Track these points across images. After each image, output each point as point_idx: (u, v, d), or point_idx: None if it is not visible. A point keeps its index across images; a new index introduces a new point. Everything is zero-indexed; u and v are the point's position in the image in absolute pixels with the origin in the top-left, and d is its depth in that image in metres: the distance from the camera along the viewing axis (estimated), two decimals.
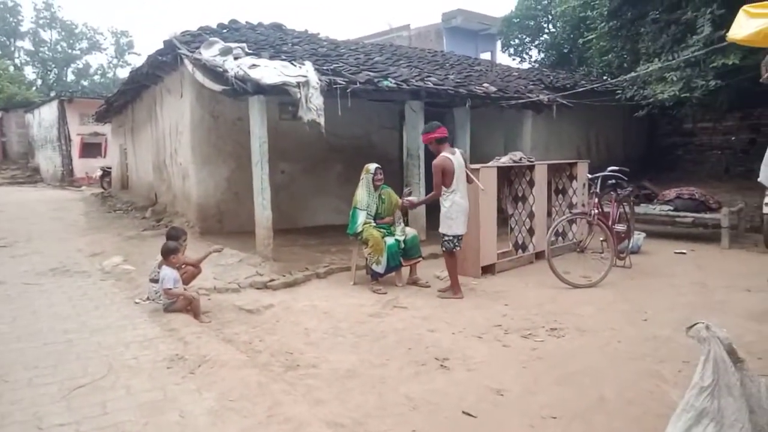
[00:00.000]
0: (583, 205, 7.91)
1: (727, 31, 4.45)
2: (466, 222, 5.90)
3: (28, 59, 42.66)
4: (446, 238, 5.87)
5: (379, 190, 6.49)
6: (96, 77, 44.05)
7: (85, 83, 42.49)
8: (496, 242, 7.01)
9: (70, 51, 43.07)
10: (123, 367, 3.79)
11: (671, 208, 9.08)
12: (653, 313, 5.24)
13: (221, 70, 6.92)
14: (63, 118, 23.38)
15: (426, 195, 6.60)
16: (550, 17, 18.48)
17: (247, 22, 10.87)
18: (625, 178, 7.46)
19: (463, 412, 3.26)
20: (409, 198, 6.43)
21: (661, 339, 4.53)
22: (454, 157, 5.78)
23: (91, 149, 23.91)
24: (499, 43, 21.15)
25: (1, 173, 25.88)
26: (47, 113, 24.85)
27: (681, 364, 3.96)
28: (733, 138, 14.88)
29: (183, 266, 5.27)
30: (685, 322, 4.87)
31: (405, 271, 6.45)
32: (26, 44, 42.15)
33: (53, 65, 42.95)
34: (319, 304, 5.59)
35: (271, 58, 7.46)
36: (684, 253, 7.97)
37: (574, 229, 8.04)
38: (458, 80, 9.40)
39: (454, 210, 5.77)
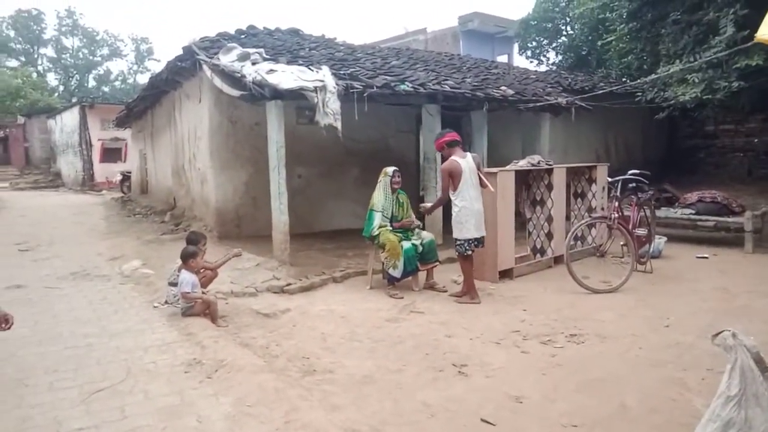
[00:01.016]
0: (603, 209, 7.82)
1: (754, 31, 4.36)
2: (479, 225, 5.85)
3: (51, 66, 43.51)
4: (458, 242, 5.86)
5: (397, 193, 6.47)
6: (117, 83, 44.77)
7: (106, 89, 43.20)
8: (513, 246, 6.94)
9: (91, 57, 43.84)
10: (141, 372, 3.82)
11: (693, 211, 8.92)
12: (675, 319, 5.14)
13: (239, 75, 6.97)
14: (84, 124, 23.76)
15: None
16: (568, 19, 18.32)
17: (264, 27, 10.94)
18: (646, 182, 7.35)
19: (482, 420, 3.22)
20: (423, 204, 6.46)
21: (683, 345, 4.44)
22: (464, 160, 5.79)
23: (112, 154, 24.27)
24: (516, 46, 21.04)
25: (24, 178, 26.37)
26: (69, 119, 25.28)
27: (705, 372, 3.88)
28: (756, 140, 14.61)
29: (201, 270, 5.30)
30: (708, 328, 4.83)
31: (422, 275, 6.42)
32: (49, 51, 43.06)
33: (75, 72, 43.73)
34: (336, 309, 5.58)
35: (289, 63, 7.49)
36: (706, 258, 7.83)
37: (594, 233, 7.93)
38: (475, 83, 9.35)
39: (463, 214, 5.74)
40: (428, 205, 6.54)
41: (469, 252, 5.86)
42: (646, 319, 5.15)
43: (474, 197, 5.81)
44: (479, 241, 5.92)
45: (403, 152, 11.07)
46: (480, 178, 5.92)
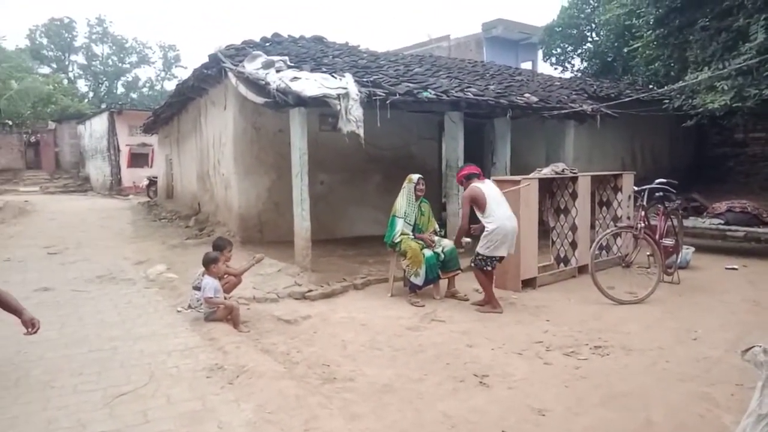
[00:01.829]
0: (629, 218, 7.69)
1: None
2: (511, 245, 5.79)
3: (81, 73, 44.52)
4: (480, 256, 5.78)
5: (419, 201, 6.46)
6: (144, 90, 45.60)
7: (134, 95, 44.04)
8: (537, 255, 6.86)
9: (120, 65, 44.74)
10: (164, 376, 3.86)
11: (722, 221, 8.72)
12: (703, 332, 5.02)
13: (263, 82, 7.04)
14: (113, 130, 24.25)
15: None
16: (593, 26, 18.16)
17: (289, 35, 11.06)
18: (674, 191, 7.21)
19: None
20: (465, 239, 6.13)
21: (712, 360, 4.33)
22: (484, 185, 5.83)
23: (139, 159, 24.72)
24: (540, 53, 20.89)
25: (54, 182, 26.99)
26: (98, 125, 25.83)
27: (734, 388, 3.77)
28: None
29: (225, 276, 5.35)
30: (737, 341, 4.71)
31: (443, 283, 6.38)
32: (79, 58, 44.04)
33: (104, 78, 44.68)
34: (357, 316, 5.57)
35: (312, 70, 7.54)
36: (735, 269, 7.64)
37: (619, 242, 7.80)
38: (499, 90, 9.30)
39: (497, 234, 5.66)
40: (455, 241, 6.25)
41: (489, 268, 5.82)
42: (673, 332, 5.04)
43: (506, 216, 5.75)
44: (502, 259, 5.87)
45: (425, 159, 11.05)
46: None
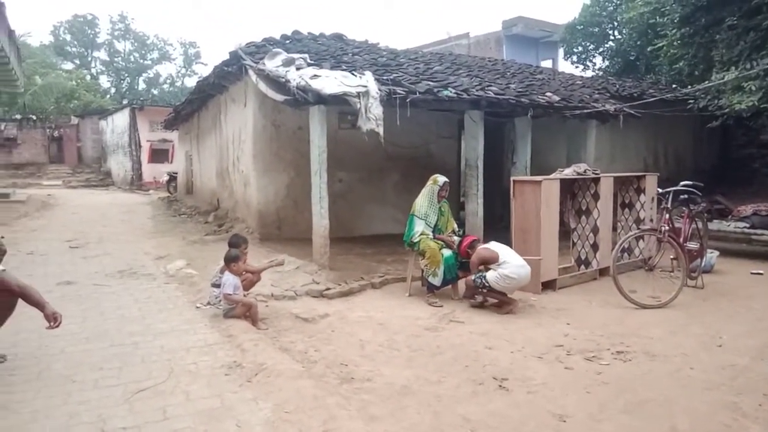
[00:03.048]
0: (651, 221, 7.56)
1: None
2: (515, 288, 5.78)
3: (104, 69, 45.19)
4: (484, 281, 5.69)
5: (441, 203, 6.41)
6: (165, 86, 46.12)
7: (155, 92, 44.56)
8: (557, 257, 6.77)
9: (142, 61, 45.31)
10: (183, 372, 3.87)
11: (747, 225, 8.54)
12: (729, 338, 4.91)
13: (283, 80, 7.04)
14: (134, 125, 24.55)
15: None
16: (615, 24, 17.90)
17: (309, 33, 11.06)
18: (699, 193, 7.07)
19: None
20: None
21: (738, 368, 4.23)
22: (490, 244, 5.94)
23: (159, 155, 25.00)
24: (561, 51, 20.66)
25: (76, 176, 27.41)
26: (120, 120, 26.16)
27: (762, 397, 3.68)
28: None
29: (243, 273, 5.35)
30: (764, 349, 4.61)
31: (461, 284, 6.32)
32: (102, 55, 44.72)
33: (126, 74, 45.28)
34: (375, 315, 5.55)
35: (332, 68, 7.53)
36: (761, 274, 7.46)
37: (641, 245, 7.67)
38: (520, 89, 9.19)
39: (512, 278, 5.63)
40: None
41: (483, 291, 5.78)
42: (698, 338, 4.93)
43: (520, 264, 5.72)
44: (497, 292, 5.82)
45: (445, 158, 10.99)
46: None
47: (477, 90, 8.27)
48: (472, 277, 5.81)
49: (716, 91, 10.16)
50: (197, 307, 5.49)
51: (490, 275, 5.66)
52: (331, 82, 6.77)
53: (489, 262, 5.75)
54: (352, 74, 7.17)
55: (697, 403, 3.60)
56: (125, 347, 4.36)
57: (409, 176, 9.89)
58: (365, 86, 6.77)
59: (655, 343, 4.76)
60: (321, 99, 6.76)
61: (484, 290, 5.75)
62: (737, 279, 7.26)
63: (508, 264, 5.66)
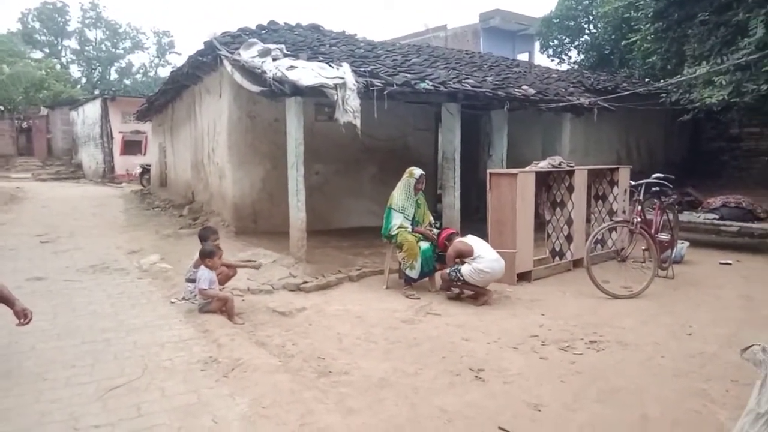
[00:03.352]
0: (624, 212, 7.69)
1: None
2: (489, 282, 5.83)
3: (74, 58, 44.01)
4: (459, 274, 5.74)
5: (418, 195, 6.43)
6: (138, 76, 45.14)
7: (128, 82, 43.60)
8: (532, 249, 6.85)
9: (113, 50, 44.24)
10: (158, 368, 3.82)
11: (716, 216, 8.74)
12: (698, 327, 5.03)
13: (259, 71, 6.96)
14: (106, 116, 24.02)
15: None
16: (591, 18, 18.09)
17: (285, 23, 10.94)
18: (670, 185, 7.21)
19: (500, 428, 3.16)
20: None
21: (707, 355, 4.34)
22: (467, 238, 5.98)
23: (132, 147, 24.52)
24: (537, 44, 20.81)
25: (46, 169, 26.75)
26: (91, 111, 25.57)
27: (729, 383, 3.79)
28: None
29: (219, 267, 5.29)
30: (732, 337, 4.73)
31: (439, 276, 6.35)
32: (72, 43, 43.53)
33: (97, 64, 44.19)
34: (352, 308, 5.55)
35: (309, 59, 7.46)
36: (729, 264, 7.66)
37: (614, 236, 7.80)
38: (496, 82, 9.24)
39: (486, 272, 5.68)
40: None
41: (458, 284, 5.84)
42: (668, 327, 5.04)
43: (494, 258, 5.76)
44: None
45: (422, 151, 11.01)
46: None
47: (454, 83, 8.30)
48: (447, 270, 5.85)
49: (688, 86, 10.35)
50: (172, 302, 5.41)
51: (465, 269, 5.70)
52: (308, 73, 6.72)
53: (464, 255, 5.78)
54: (330, 66, 7.12)
55: (668, 391, 3.68)
56: (97, 344, 4.28)
57: (386, 169, 9.89)
58: (342, 78, 6.73)
59: (627, 333, 4.86)
60: (298, 90, 6.70)
61: (459, 283, 5.80)
62: (706, 269, 7.44)
63: (483, 258, 5.70)
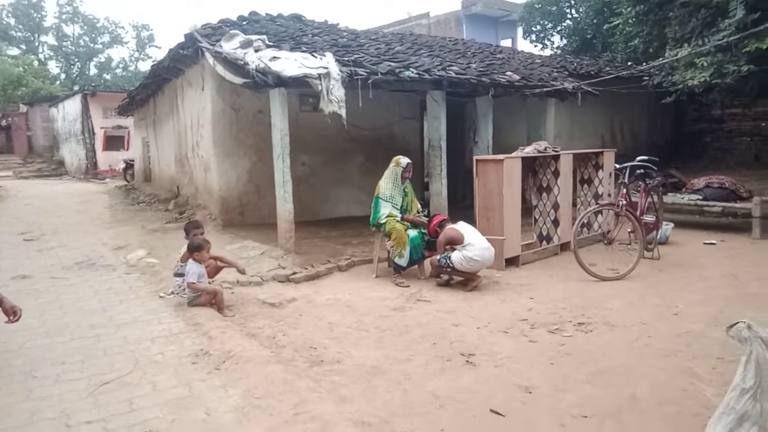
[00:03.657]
0: (610, 195, 7.75)
1: (765, 14, 4.26)
2: (479, 269, 5.85)
3: (52, 54, 43.24)
4: (449, 261, 5.76)
5: (405, 184, 6.43)
6: (118, 71, 44.51)
7: (108, 77, 42.97)
8: (520, 234, 6.90)
9: (92, 45, 43.54)
10: (149, 363, 3.80)
11: (700, 197, 8.85)
12: (684, 306, 5.11)
13: (242, 62, 6.89)
14: (86, 112, 23.65)
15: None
16: (572, 2, 18.11)
17: (266, 13, 10.82)
18: (655, 168, 7.28)
19: (492, 411, 3.20)
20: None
21: (693, 334, 4.41)
22: (458, 225, 5.97)
23: (115, 142, 24.17)
24: (520, 30, 20.80)
25: (28, 167, 26.35)
26: (71, 107, 25.17)
27: (715, 361, 3.85)
28: (763, 124, 14.49)
29: (207, 260, 5.26)
30: (717, 316, 4.81)
31: (428, 263, 6.37)
32: (50, 39, 42.76)
33: (76, 59, 43.48)
34: (342, 298, 5.56)
35: (292, 49, 7.40)
36: (713, 244, 7.77)
37: (600, 219, 7.87)
38: (481, 69, 9.24)
39: (475, 260, 5.71)
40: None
41: (447, 271, 5.87)
42: (655, 307, 5.12)
43: (485, 247, 5.78)
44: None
45: (408, 139, 10.99)
46: None
47: (438, 70, 8.28)
48: (438, 257, 5.87)
49: (670, 68, 10.41)
50: (160, 297, 5.39)
51: (455, 256, 5.73)
52: (291, 64, 6.67)
53: (455, 242, 5.81)
54: (313, 56, 7.07)
55: (656, 370, 3.74)
56: (87, 340, 4.26)
57: (372, 158, 9.87)
58: (326, 68, 6.69)
59: (615, 314, 4.92)
60: (281, 81, 6.65)
61: (449, 270, 5.83)
62: (691, 249, 7.54)
63: (473, 246, 5.72)
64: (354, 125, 8.79)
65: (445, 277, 6.01)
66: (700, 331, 4.45)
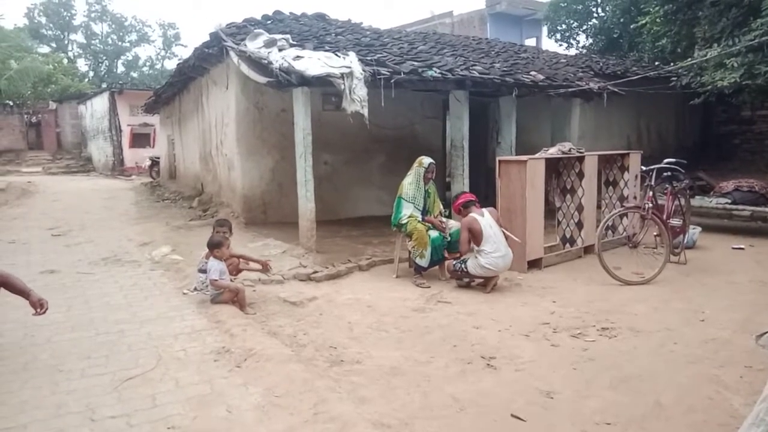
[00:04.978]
0: (635, 198, 7.63)
1: None
2: (495, 273, 5.79)
3: (81, 52, 44.10)
4: (465, 265, 5.74)
5: (428, 185, 6.40)
6: (145, 69, 45.20)
7: (135, 75, 43.67)
8: (542, 236, 6.82)
9: (120, 43, 44.30)
10: (172, 359, 3.85)
11: (728, 200, 8.65)
12: (711, 312, 5.00)
13: (266, 62, 6.94)
14: (114, 110, 24.09)
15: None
16: (599, 1, 17.84)
17: (290, 12, 10.89)
18: (682, 170, 7.14)
19: (512, 416, 3.17)
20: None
21: (720, 341, 4.31)
22: (482, 218, 5.81)
23: (141, 139, 24.60)
24: (544, 29, 20.59)
25: (56, 163, 26.93)
26: (99, 104, 25.66)
27: (743, 369, 3.76)
28: None
29: (228, 258, 5.31)
30: (745, 322, 4.69)
31: (449, 264, 6.34)
32: (79, 37, 43.60)
33: (104, 57, 44.27)
34: (363, 298, 5.56)
35: (315, 49, 7.43)
36: (742, 249, 7.60)
37: (625, 222, 7.75)
38: (504, 68, 9.16)
39: (489, 269, 5.67)
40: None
41: (465, 278, 5.86)
42: (681, 313, 5.02)
43: (501, 255, 5.71)
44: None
45: (430, 139, 10.96)
46: (504, 233, 5.90)
47: (462, 70, 8.23)
48: (453, 262, 5.87)
49: (699, 68, 10.21)
50: (184, 293, 5.45)
51: (470, 263, 5.72)
52: (314, 63, 6.69)
53: (474, 235, 5.74)
54: (336, 55, 7.09)
55: (681, 377, 3.67)
56: (112, 335, 4.33)
57: (394, 157, 9.86)
58: (349, 67, 6.70)
59: (640, 319, 4.84)
60: (304, 81, 6.68)
61: (464, 274, 5.81)
62: (719, 254, 7.38)
63: (487, 254, 5.65)
64: (376, 124, 8.76)
65: (466, 279, 5.97)
66: (728, 338, 4.35)
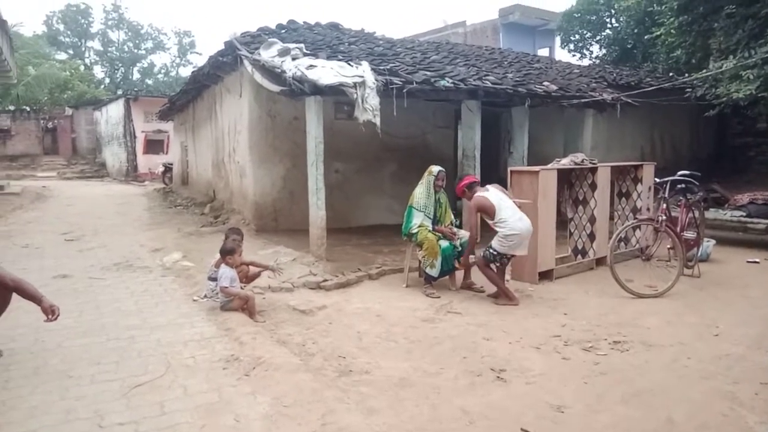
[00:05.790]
0: (648, 210, 7.56)
1: None
2: (525, 245, 5.76)
3: (98, 59, 44.78)
4: (492, 250, 5.73)
5: (439, 193, 6.39)
6: (160, 76, 45.75)
7: (150, 82, 44.21)
8: (554, 247, 6.77)
9: (136, 51, 44.91)
10: (181, 366, 3.85)
11: (743, 213, 8.55)
12: (725, 327, 4.92)
13: (279, 70, 6.98)
14: (128, 116, 24.37)
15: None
16: (613, 12, 17.83)
17: (304, 22, 10.98)
18: (696, 183, 7.07)
19: (522, 430, 3.13)
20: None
21: (734, 357, 4.24)
22: (488, 192, 5.81)
23: (154, 146, 24.85)
24: (558, 39, 20.57)
25: (71, 168, 27.25)
26: (114, 111, 25.97)
27: (758, 386, 3.69)
28: None
29: (239, 265, 5.33)
30: (760, 338, 4.62)
31: (459, 274, 6.32)
32: (96, 44, 44.31)
33: (120, 64, 44.88)
34: (372, 307, 5.54)
35: (328, 58, 7.47)
36: (757, 263, 7.49)
37: (638, 234, 7.68)
38: (517, 79, 9.15)
39: (513, 238, 5.63)
40: (471, 258, 6.15)
41: (497, 264, 5.80)
42: (694, 327, 4.95)
43: (518, 218, 5.70)
44: (513, 257, 5.84)
45: (442, 148, 10.96)
46: (514, 202, 5.90)
47: (474, 80, 8.23)
48: (481, 253, 5.82)
49: (714, 80, 10.14)
50: (194, 300, 5.47)
51: (495, 242, 5.69)
52: (327, 72, 6.72)
53: (485, 211, 5.71)
54: (349, 64, 7.12)
55: (694, 393, 3.61)
56: (122, 341, 4.35)
57: (405, 167, 9.87)
58: (362, 76, 6.72)
59: (652, 333, 4.78)
60: (317, 90, 6.70)
61: (496, 256, 5.74)
62: (733, 268, 7.28)
63: (505, 221, 5.62)
64: (388, 134, 8.80)
65: (495, 289, 5.89)
66: (742, 354, 4.28)
